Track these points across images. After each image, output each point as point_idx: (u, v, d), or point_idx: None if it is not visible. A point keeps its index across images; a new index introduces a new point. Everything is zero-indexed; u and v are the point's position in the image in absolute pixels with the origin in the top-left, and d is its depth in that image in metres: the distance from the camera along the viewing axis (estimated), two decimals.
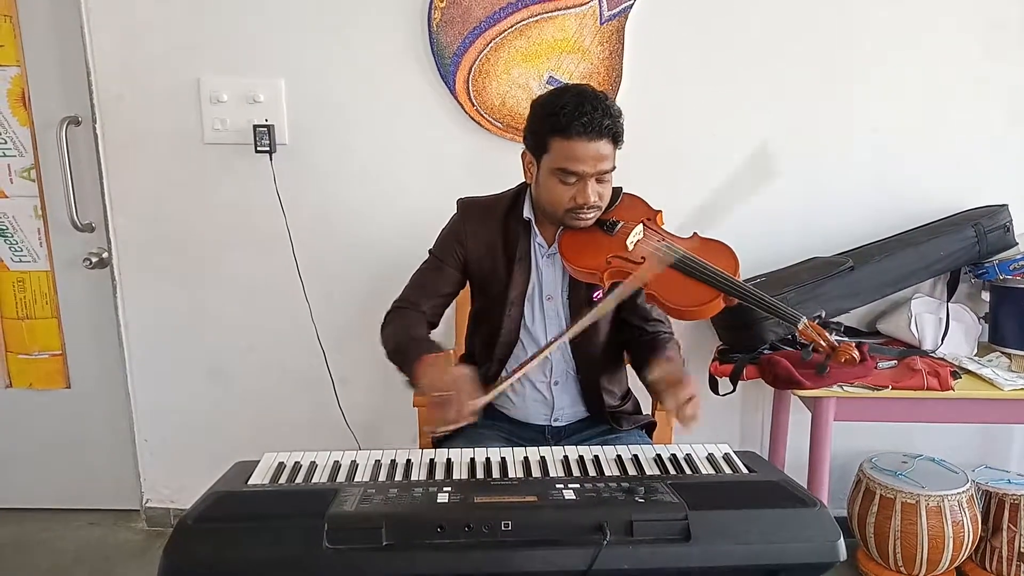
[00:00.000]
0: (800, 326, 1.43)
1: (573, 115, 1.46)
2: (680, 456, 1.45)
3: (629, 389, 1.87)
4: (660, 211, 1.67)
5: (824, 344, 1.43)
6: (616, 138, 1.52)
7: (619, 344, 1.79)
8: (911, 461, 2.30)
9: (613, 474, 1.39)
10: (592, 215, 1.57)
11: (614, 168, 1.56)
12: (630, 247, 1.56)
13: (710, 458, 1.45)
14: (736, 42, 2.24)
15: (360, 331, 2.39)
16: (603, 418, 1.76)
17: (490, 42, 2.22)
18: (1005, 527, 2.18)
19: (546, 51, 2.23)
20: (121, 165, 2.35)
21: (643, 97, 2.25)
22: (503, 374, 1.69)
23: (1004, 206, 2.20)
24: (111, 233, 2.39)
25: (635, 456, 1.45)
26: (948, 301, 2.24)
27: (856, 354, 1.39)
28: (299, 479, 1.36)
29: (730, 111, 2.28)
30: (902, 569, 2.17)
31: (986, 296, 2.24)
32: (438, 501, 1.21)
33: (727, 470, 1.40)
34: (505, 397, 1.76)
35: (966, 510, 2.11)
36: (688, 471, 1.40)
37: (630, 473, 1.39)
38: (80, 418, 2.58)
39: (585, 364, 1.72)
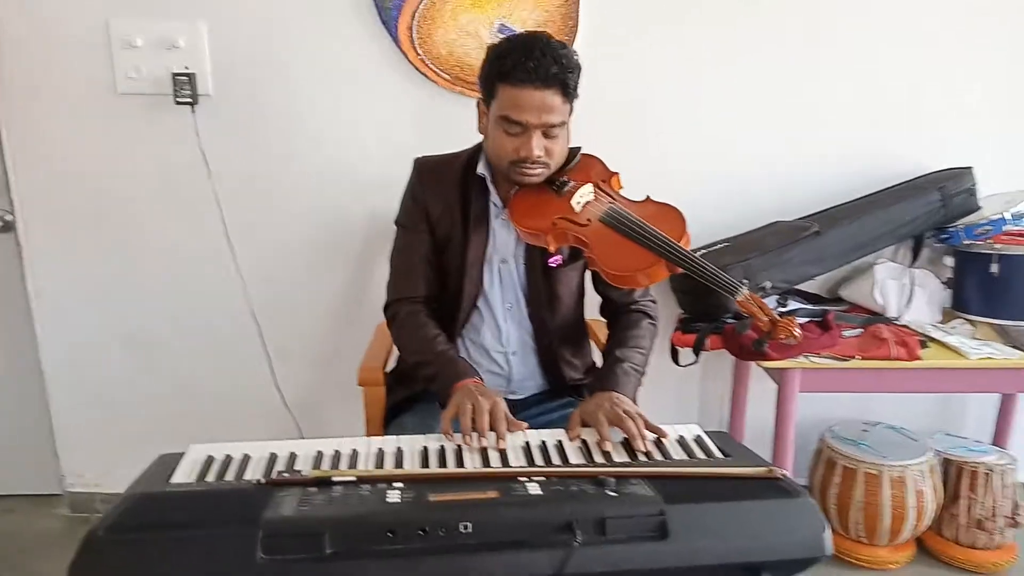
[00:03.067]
0: (739, 297, 1.34)
1: (519, 60, 1.38)
2: (649, 439, 1.33)
3: (594, 363, 1.77)
4: (617, 173, 1.58)
5: (765, 318, 1.33)
6: (566, 89, 1.43)
7: (581, 315, 1.71)
8: (871, 429, 2.25)
9: (579, 462, 1.27)
10: (538, 171, 1.48)
11: (564, 123, 1.47)
12: (577, 208, 1.47)
13: (681, 441, 1.35)
14: None
15: (298, 302, 2.25)
16: (564, 391, 1.68)
17: None
18: (964, 495, 2.16)
19: None
20: (23, 118, 2.10)
21: (601, 48, 2.11)
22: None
23: (968, 168, 2.14)
24: (14, 194, 2.15)
25: (599, 441, 1.34)
26: (912, 266, 2.18)
27: (797, 332, 1.30)
28: (230, 476, 1.20)
29: (694, 64, 2.16)
30: (863, 539, 2.14)
31: (949, 261, 2.19)
32: (388, 501, 1.07)
33: (700, 454, 1.30)
34: None
35: (928, 479, 2.08)
36: (659, 456, 1.29)
37: (596, 460, 1.27)
38: None
39: (543, 333, 1.62)
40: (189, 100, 2.04)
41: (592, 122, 2.05)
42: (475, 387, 1.41)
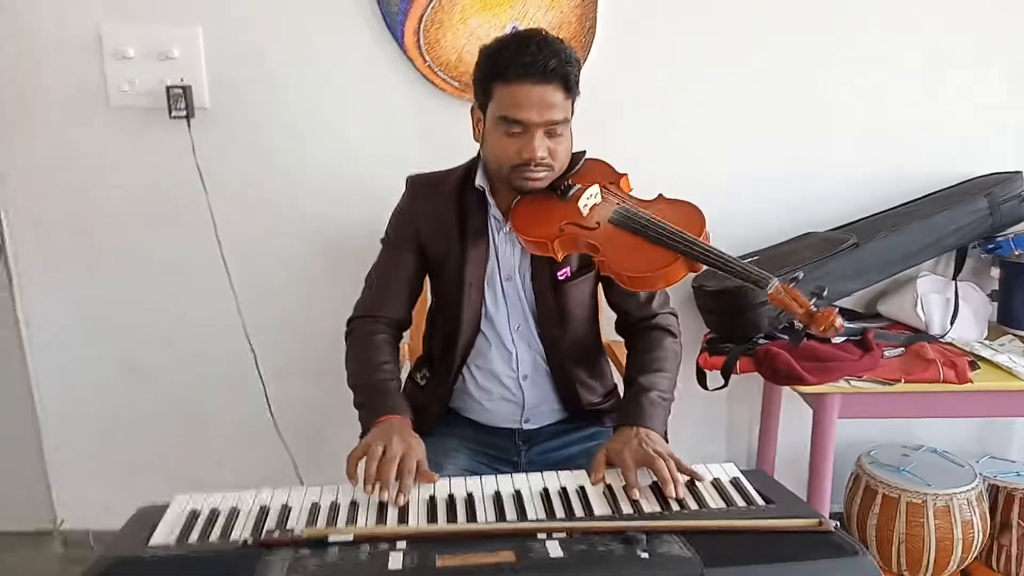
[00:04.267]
0: (770, 290, 1.21)
1: (515, 56, 1.31)
2: (682, 482, 1.20)
3: (615, 386, 1.64)
4: (625, 175, 1.48)
5: (800, 310, 1.19)
6: (567, 83, 1.33)
7: (596, 332, 1.60)
8: (912, 454, 2.10)
9: (604, 513, 1.14)
10: (543, 174, 1.37)
11: (567, 121, 1.37)
12: (584, 211, 1.37)
13: (717, 484, 1.22)
14: None
15: (295, 321, 2.14)
16: (581, 417, 1.56)
17: None
18: (1015, 524, 2.01)
19: None
20: (10, 133, 2.00)
21: (621, 49, 1.99)
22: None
23: (1018, 172, 2.00)
24: (2, 213, 2.05)
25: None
26: (955, 279, 2.03)
27: (838, 322, 1.17)
28: (215, 535, 1.08)
29: (718, 66, 2.03)
30: (905, 573, 1.99)
31: (995, 272, 2.06)
32: (390, 568, 0.95)
33: (739, 501, 1.17)
34: (470, 398, 1.56)
35: (975, 508, 1.93)
36: (693, 504, 1.16)
37: (624, 511, 1.14)
38: None
39: (555, 353, 1.51)
40: (184, 113, 1.93)
41: (612, 126, 1.98)
42: (395, 426, 1.29)
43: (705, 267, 1.26)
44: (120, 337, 2.15)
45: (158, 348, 2.17)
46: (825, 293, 1.24)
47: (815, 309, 1.19)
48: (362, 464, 1.20)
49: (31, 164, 2.02)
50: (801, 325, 1.23)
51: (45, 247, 2.08)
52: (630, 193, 1.45)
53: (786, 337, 1.86)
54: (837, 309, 1.20)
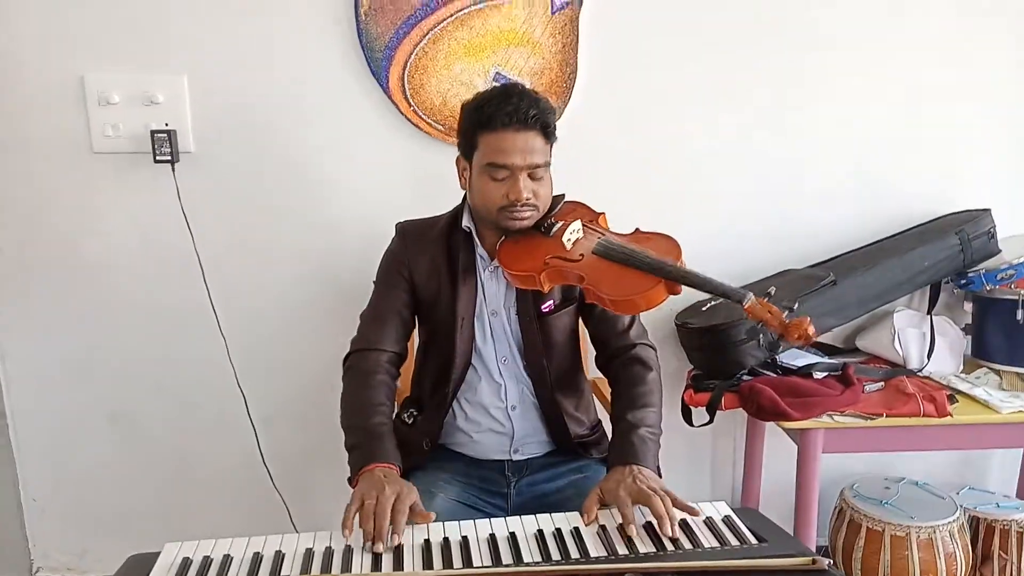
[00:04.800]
0: (747, 303, 1.30)
1: (498, 107, 1.42)
2: (676, 519, 1.21)
3: (600, 421, 1.69)
4: (603, 213, 1.58)
5: (775, 321, 1.28)
6: (546, 130, 1.45)
7: (580, 365, 1.67)
8: (894, 486, 2.12)
9: (600, 554, 1.14)
10: (528, 214, 1.47)
11: (547, 164, 1.48)
12: (568, 246, 1.47)
13: (709, 523, 1.23)
14: (703, 37, 2.04)
15: (285, 366, 2.12)
16: (569, 449, 1.59)
17: (427, 33, 1.95)
18: (995, 555, 2.03)
19: (491, 43, 1.97)
20: None
21: (601, 94, 2.03)
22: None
23: (987, 211, 2.05)
24: None
25: (621, 525, 1.21)
26: (930, 314, 2.08)
27: (811, 330, 1.25)
28: None
29: (696, 108, 2.08)
30: None
31: (968, 307, 2.10)
32: None
33: (732, 540, 1.18)
34: (459, 432, 1.60)
35: (957, 540, 1.95)
36: (688, 544, 1.17)
37: (619, 552, 1.15)
38: None
39: (541, 383, 1.56)
40: (168, 158, 1.93)
41: (592, 167, 2.01)
42: (385, 476, 1.31)
43: (684, 288, 1.34)
44: (104, 384, 2.12)
45: (145, 395, 2.13)
46: (796, 307, 1.31)
47: (787, 320, 1.27)
48: (358, 518, 1.21)
49: (14, 210, 2.00)
50: (776, 335, 1.32)
51: (28, 293, 2.05)
52: (608, 229, 1.54)
53: (769, 373, 1.89)
54: (809, 318, 1.26)
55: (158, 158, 1.93)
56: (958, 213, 2.11)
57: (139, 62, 1.94)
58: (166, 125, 1.95)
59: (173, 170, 1.96)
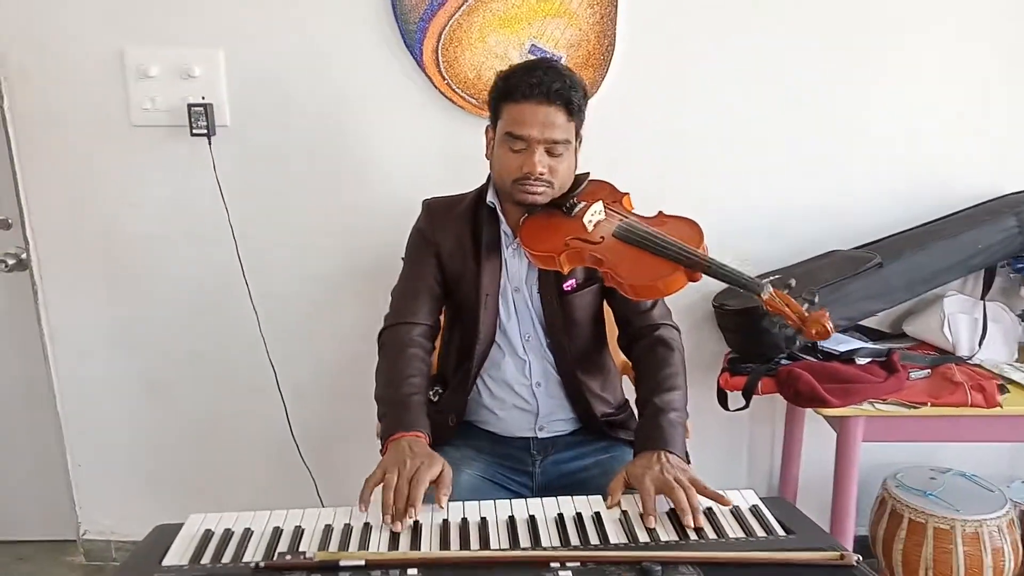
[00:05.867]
0: (764, 296, 1.27)
1: (522, 78, 1.42)
2: (701, 509, 1.18)
3: (627, 401, 1.67)
4: (627, 194, 1.56)
5: (793, 315, 1.24)
6: (570, 107, 1.43)
7: (603, 344, 1.65)
8: (940, 477, 2.05)
9: (620, 541, 1.12)
10: (541, 189, 1.45)
11: (568, 142, 1.46)
12: (589, 227, 1.45)
13: (736, 513, 1.19)
14: (746, 8, 1.95)
15: (316, 340, 2.14)
16: (595, 429, 1.58)
17: (462, 4, 1.91)
18: None
19: (527, 15, 1.93)
20: (36, 152, 2.02)
21: (640, 66, 1.97)
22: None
23: None
24: (28, 230, 2.07)
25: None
26: (984, 299, 1.98)
27: (829, 325, 1.22)
28: (227, 556, 1.08)
29: (738, 82, 2.00)
30: None
31: None
32: None
33: (758, 530, 1.14)
34: (484, 409, 1.60)
35: (1006, 535, 1.88)
36: (711, 534, 1.13)
37: (640, 539, 1.12)
38: (3, 441, 2.28)
39: (563, 360, 1.55)
40: (205, 131, 1.95)
41: (630, 145, 1.95)
42: (411, 445, 1.30)
43: (704, 276, 1.32)
44: (143, 354, 2.17)
45: (180, 365, 2.17)
46: (816, 299, 1.26)
47: (807, 314, 1.23)
48: (378, 491, 1.21)
49: (56, 183, 2.04)
50: (795, 330, 1.27)
51: (69, 263, 2.10)
52: (632, 210, 1.52)
53: (809, 358, 1.83)
54: (827, 313, 1.22)
55: (195, 131, 1.95)
56: (1016, 194, 2.00)
57: (176, 36, 1.95)
58: (203, 99, 1.96)
59: (209, 143, 1.97)
